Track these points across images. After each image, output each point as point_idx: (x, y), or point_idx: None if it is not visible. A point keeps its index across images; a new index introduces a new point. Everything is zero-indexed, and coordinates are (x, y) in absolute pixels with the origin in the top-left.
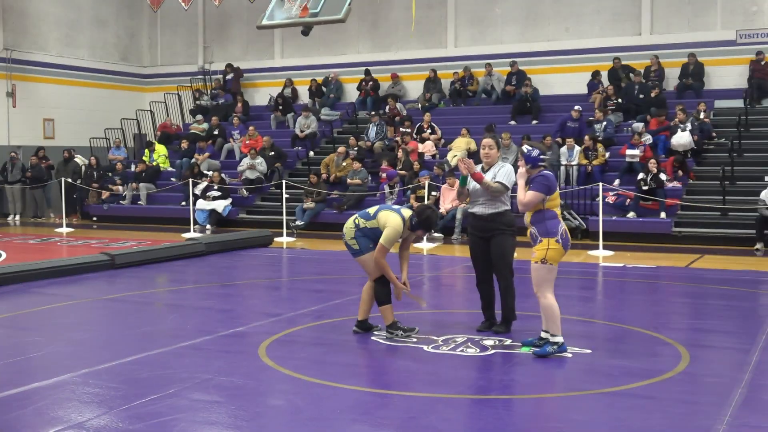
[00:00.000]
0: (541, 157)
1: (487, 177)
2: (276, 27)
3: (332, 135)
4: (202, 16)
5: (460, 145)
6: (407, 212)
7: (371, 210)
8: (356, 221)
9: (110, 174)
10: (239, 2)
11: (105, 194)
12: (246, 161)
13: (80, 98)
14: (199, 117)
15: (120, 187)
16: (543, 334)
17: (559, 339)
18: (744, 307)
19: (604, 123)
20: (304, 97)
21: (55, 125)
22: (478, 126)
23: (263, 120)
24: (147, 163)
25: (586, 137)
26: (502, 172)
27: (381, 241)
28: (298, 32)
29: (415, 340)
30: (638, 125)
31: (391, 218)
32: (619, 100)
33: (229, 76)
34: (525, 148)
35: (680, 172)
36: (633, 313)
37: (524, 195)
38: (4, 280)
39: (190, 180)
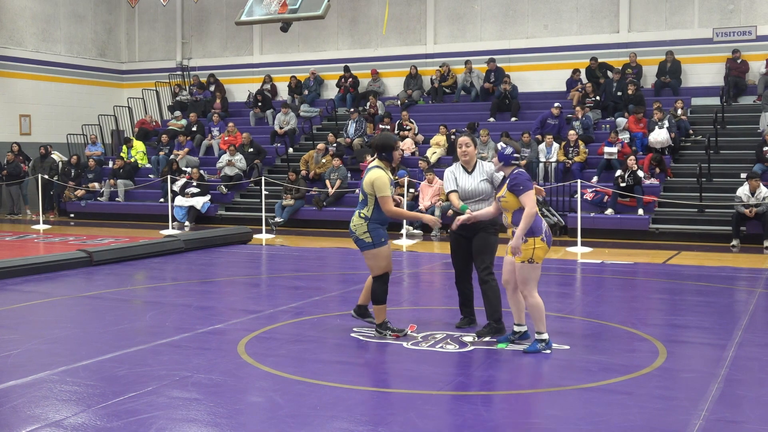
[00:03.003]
0: (515, 155)
1: (476, 177)
2: (255, 23)
3: (311, 132)
4: (181, 11)
5: (440, 141)
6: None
7: (360, 196)
8: (361, 214)
9: (83, 172)
10: None
11: (80, 192)
12: (225, 158)
13: (57, 94)
14: (178, 113)
15: (96, 184)
16: (516, 328)
17: (545, 336)
18: (720, 303)
19: (583, 120)
20: (283, 94)
21: (31, 121)
22: (456, 123)
23: (242, 116)
24: (125, 159)
25: (571, 133)
26: (492, 173)
27: (378, 193)
28: (277, 28)
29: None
30: (621, 120)
31: (370, 175)
32: (598, 98)
33: (212, 87)
34: (499, 145)
35: (657, 170)
36: (611, 310)
37: (513, 198)
38: None
39: (169, 177)
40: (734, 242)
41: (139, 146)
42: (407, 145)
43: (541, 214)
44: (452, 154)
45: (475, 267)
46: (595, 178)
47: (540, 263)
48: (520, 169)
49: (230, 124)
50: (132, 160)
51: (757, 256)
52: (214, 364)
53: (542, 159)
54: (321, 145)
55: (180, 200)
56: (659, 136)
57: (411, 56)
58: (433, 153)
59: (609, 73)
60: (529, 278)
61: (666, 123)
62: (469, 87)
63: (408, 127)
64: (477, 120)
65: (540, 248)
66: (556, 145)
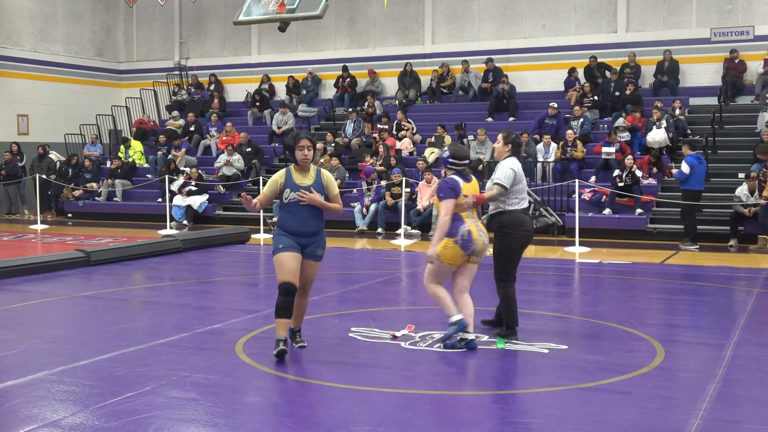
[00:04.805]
0: (450, 159)
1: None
2: (253, 23)
3: (309, 131)
4: (179, 11)
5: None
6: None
7: None
8: None
9: (81, 172)
10: None
11: (78, 192)
12: (223, 158)
13: (55, 94)
14: (176, 113)
15: (94, 184)
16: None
17: (454, 318)
18: (718, 303)
19: (581, 120)
20: (281, 94)
21: (29, 121)
22: (455, 123)
23: (240, 116)
24: (123, 159)
25: (569, 132)
26: (500, 171)
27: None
28: (275, 28)
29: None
30: (622, 120)
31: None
32: (596, 98)
33: (210, 87)
34: (446, 147)
35: (655, 169)
36: (609, 309)
37: (437, 202)
38: None
39: (167, 176)
40: (732, 242)
41: (137, 146)
42: (405, 145)
43: (539, 213)
44: None
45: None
46: (593, 178)
47: (446, 264)
48: (453, 176)
49: (228, 124)
50: (130, 159)
51: (754, 255)
52: (212, 363)
53: (540, 159)
54: (319, 145)
55: (178, 199)
56: (657, 135)
57: (409, 56)
58: (431, 153)
59: (607, 73)
60: (430, 271)
61: (664, 123)
62: (467, 87)
63: (405, 127)
64: (476, 120)
65: (449, 248)
66: (554, 145)
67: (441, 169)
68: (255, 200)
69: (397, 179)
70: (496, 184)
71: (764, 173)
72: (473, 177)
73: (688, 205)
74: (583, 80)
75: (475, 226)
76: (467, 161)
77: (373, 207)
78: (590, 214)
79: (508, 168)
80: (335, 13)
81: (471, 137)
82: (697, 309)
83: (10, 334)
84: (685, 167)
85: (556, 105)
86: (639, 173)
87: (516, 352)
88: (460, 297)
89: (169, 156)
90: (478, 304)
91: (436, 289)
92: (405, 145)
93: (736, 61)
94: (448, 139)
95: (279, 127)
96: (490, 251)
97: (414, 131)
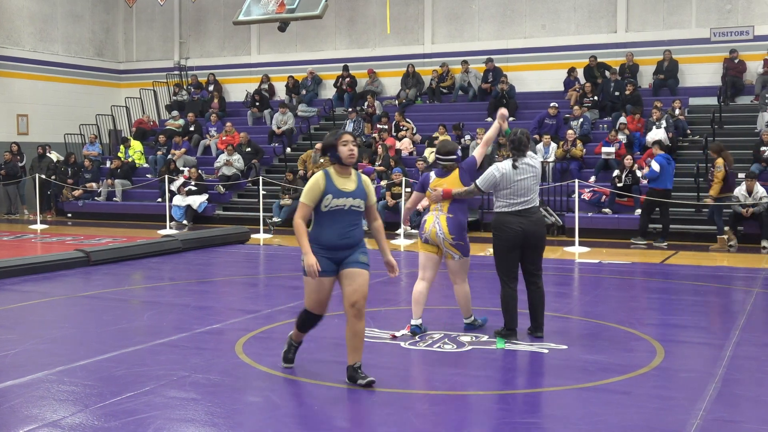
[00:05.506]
0: (435, 155)
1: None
2: (253, 23)
3: (309, 131)
4: (178, 11)
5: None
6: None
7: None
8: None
9: (81, 172)
10: None
11: (77, 192)
12: (223, 158)
13: (55, 94)
14: (175, 113)
15: (93, 184)
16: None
17: (414, 321)
18: (717, 303)
19: (581, 120)
20: (281, 94)
21: (29, 121)
22: (455, 123)
23: (240, 116)
24: (122, 159)
25: (569, 132)
26: (485, 172)
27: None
28: (274, 28)
29: (389, 338)
30: (623, 119)
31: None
32: (595, 98)
33: (210, 87)
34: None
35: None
36: (608, 309)
37: None
38: None
39: (166, 176)
40: (731, 242)
41: (136, 146)
42: (404, 145)
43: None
44: None
45: None
46: (592, 178)
47: (421, 251)
48: (432, 171)
49: (228, 124)
50: (129, 159)
51: (754, 255)
52: (211, 363)
53: (540, 159)
54: (319, 145)
55: (177, 199)
56: (657, 135)
57: (409, 56)
58: (431, 153)
59: (607, 73)
60: (420, 266)
61: (663, 123)
62: (467, 87)
63: (405, 127)
64: (476, 120)
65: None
66: (553, 145)
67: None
68: (307, 247)
69: (398, 179)
70: (474, 182)
71: (711, 172)
72: (455, 172)
73: (664, 203)
74: (582, 80)
75: (433, 217)
76: (453, 157)
77: None
78: (590, 214)
79: (492, 171)
80: (335, 13)
81: (468, 137)
82: (697, 309)
83: (10, 334)
84: (655, 166)
85: (556, 105)
86: (639, 173)
87: (516, 352)
88: (455, 289)
89: (169, 156)
90: (476, 304)
91: (417, 287)
92: (405, 145)
93: (736, 61)
94: (442, 138)
95: (279, 127)
96: (490, 251)
97: (414, 131)
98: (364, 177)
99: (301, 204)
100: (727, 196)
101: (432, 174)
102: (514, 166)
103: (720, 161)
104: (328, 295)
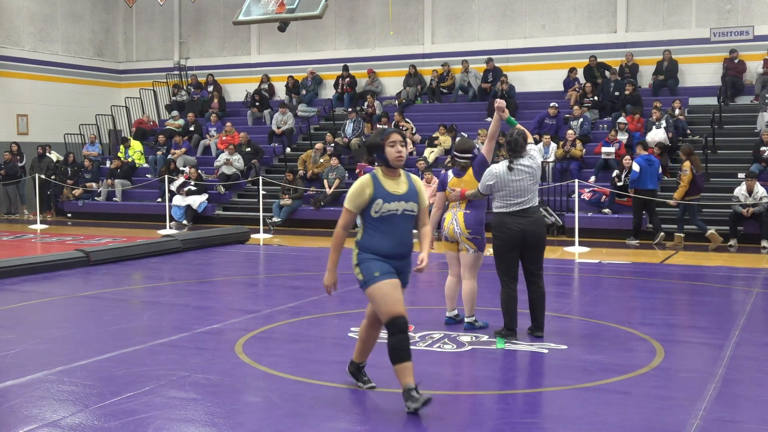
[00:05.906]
0: (453, 152)
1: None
2: (253, 23)
3: (309, 131)
4: (178, 11)
5: (444, 140)
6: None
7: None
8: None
9: (81, 172)
10: None
11: (77, 192)
12: (223, 157)
13: (55, 94)
14: (175, 113)
15: (93, 184)
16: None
17: (449, 313)
18: (717, 303)
19: (581, 120)
20: (280, 94)
21: (29, 121)
22: (454, 123)
23: (240, 116)
24: (122, 159)
25: (569, 132)
26: (484, 174)
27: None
28: (274, 28)
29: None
30: (623, 119)
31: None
32: (595, 98)
33: (210, 87)
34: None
35: None
36: (608, 309)
37: None
38: None
39: (166, 176)
40: (731, 242)
41: (136, 146)
42: None
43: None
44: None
45: None
46: (592, 178)
47: (447, 251)
48: (449, 171)
49: (228, 124)
50: (129, 159)
51: (754, 255)
52: (211, 363)
53: (540, 158)
54: (319, 145)
55: (177, 199)
56: (657, 135)
57: (409, 56)
58: (431, 153)
59: (607, 73)
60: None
61: (663, 123)
62: (467, 87)
63: (404, 128)
64: (476, 120)
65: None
66: (553, 145)
67: (441, 169)
68: (334, 264)
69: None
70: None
71: (680, 175)
72: (470, 171)
73: (650, 204)
74: (582, 80)
75: (451, 215)
76: (468, 155)
77: None
78: (590, 214)
79: (490, 173)
80: (335, 13)
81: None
82: (697, 309)
83: (9, 334)
84: (635, 167)
85: (556, 105)
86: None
87: (515, 352)
88: (462, 284)
89: (169, 156)
90: (477, 304)
91: (448, 282)
92: None
93: (736, 61)
94: (442, 138)
95: (278, 127)
96: (490, 251)
97: (414, 131)
98: (414, 177)
99: (345, 210)
100: (695, 198)
101: (450, 173)
102: (510, 168)
103: (687, 164)
104: (402, 295)
